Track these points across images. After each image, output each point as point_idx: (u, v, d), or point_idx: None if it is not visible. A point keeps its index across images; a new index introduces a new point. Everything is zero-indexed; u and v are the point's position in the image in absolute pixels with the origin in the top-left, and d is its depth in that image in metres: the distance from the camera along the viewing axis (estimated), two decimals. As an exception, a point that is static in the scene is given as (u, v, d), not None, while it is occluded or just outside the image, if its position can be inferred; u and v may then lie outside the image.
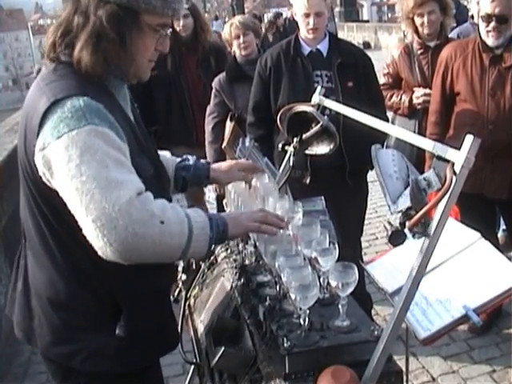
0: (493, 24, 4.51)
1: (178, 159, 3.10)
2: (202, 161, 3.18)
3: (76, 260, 2.43)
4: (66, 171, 2.16)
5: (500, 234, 6.28)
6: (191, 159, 3.10)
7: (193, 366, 3.50)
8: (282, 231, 2.77)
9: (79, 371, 2.52)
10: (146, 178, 2.40)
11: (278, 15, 21.38)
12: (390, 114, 5.67)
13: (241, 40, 5.80)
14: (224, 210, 3.49)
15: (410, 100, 5.52)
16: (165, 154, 3.04)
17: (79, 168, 2.14)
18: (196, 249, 2.31)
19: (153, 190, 2.40)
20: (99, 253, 2.17)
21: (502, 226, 6.20)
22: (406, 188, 2.24)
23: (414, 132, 5.26)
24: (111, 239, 2.12)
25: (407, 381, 3.60)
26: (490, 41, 4.56)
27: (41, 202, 2.40)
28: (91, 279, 2.45)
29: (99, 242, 2.14)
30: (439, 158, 2.14)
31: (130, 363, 2.53)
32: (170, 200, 2.70)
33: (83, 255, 2.36)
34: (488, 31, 4.55)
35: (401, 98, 5.60)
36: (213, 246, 2.40)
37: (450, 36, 6.00)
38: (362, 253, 5.59)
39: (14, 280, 2.71)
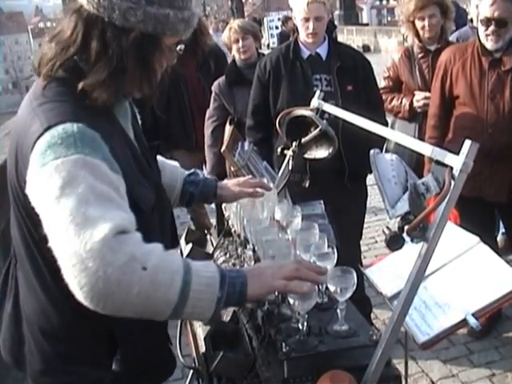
0: (492, 28, 4.51)
1: (187, 172, 2.97)
2: (211, 177, 3.10)
3: (70, 291, 2.14)
4: (45, 202, 1.97)
5: (499, 238, 6.29)
6: (201, 174, 3.00)
7: (192, 371, 3.50)
8: (280, 235, 2.77)
9: None
10: (147, 208, 2.27)
11: (287, 19, 21.21)
12: (390, 118, 5.67)
13: (240, 44, 5.80)
14: (223, 214, 3.49)
15: (411, 103, 5.53)
16: (174, 165, 2.96)
17: (58, 201, 1.93)
18: (196, 309, 1.99)
19: (155, 217, 2.34)
20: (76, 297, 1.91)
21: (502, 230, 6.20)
22: (404, 193, 2.23)
23: (414, 135, 5.27)
24: (81, 282, 1.86)
25: (407, 385, 3.60)
26: (490, 44, 4.57)
27: (33, 230, 2.20)
28: (86, 311, 2.13)
29: (72, 284, 1.89)
30: (438, 162, 2.14)
31: None
32: (169, 223, 2.65)
33: None
34: (487, 35, 4.56)
35: (401, 102, 5.61)
36: (222, 308, 2.08)
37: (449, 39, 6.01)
38: (362, 256, 5.58)
39: (2, 299, 2.57)
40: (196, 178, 2.97)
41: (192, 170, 3.03)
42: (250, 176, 3.29)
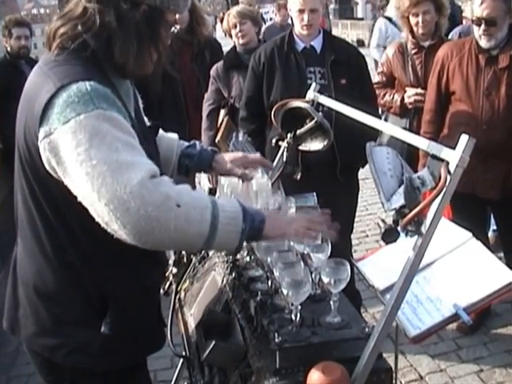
0: (483, 27, 4.53)
1: (185, 144, 3.05)
2: (209, 148, 3.12)
3: (66, 253, 2.37)
4: (74, 156, 2.10)
5: (490, 234, 6.29)
6: (198, 147, 3.06)
7: (181, 360, 3.50)
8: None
9: (63, 366, 2.48)
10: None
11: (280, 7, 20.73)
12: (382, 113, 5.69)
13: (238, 29, 5.79)
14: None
15: (402, 99, 5.54)
16: (171, 137, 3.04)
17: (89, 152, 2.08)
18: (223, 239, 2.21)
19: None
20: (116, 235, 2.12)
21: (493, 226, 6.22)
22: (400, 186, 2.24)
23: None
24: (124, 222, 2.06)
25: (395, 379, 3.61)
26: (483, 43, 4.59)
27: (39, 191, 2.33)
28: (80, 273, 2.39)
29: (114, 225, 2.09)
30: (434, 156, 2.14)
31: (114, 362, 2.50)
32: None
33: (73, 249, 2.35)
34: (480, 34, 4.57)
35: (393, 97, 5.62)
36: (245, 241, 2.28)
37: (450, 35, 6.01)
38: (352, 250, 5.59)
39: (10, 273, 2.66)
40: (193, 150, 3.03)
41: (192, 142, 3.09)
42: (252, 154, 3.25)
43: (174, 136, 3.06)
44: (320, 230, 2.40)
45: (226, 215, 2.20)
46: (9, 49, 7.00)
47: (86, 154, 2.08)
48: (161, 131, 2.96)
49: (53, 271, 2.42)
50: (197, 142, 3.10)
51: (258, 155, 3.17)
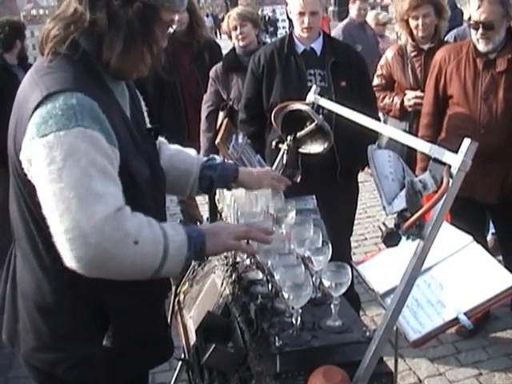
0: (480, 31, 4.53)
1: (205, 158, 3.01)
2: (230, 161, 3.11)
3: (65, 267, 2.21)
4: (46, 173, 2.06)
5: (489, 238, 6.29)
6: (218, 159, 3.04)
7: (180, 362, 3.49)
8: (274, 229, 2.75)
9: (64, 381, 2.44)
10: (142, 181, 2.34)
11: None
12: (381, 115, 5.68)
13: (238, 31, 5.80)
14: (216, 207, 3.48)
15: (402, 102, 5.55)
16: (190, 151, 3.00)
17: (61, 172, 2.03)
18: (170, 269, 2.23)
19: (148, 192, 2.39)
20: (66, 264, 2.08)
21: (492, 230, 6.21)
22: (401, 189, 2.23)
23: (405, 134, 5.27)
24: (80, 254, 2.03)
25: (395, 382, 3.60)
26: (481, 47, 4.59)
27: (30, 201, 2.26)
28: (80, 286, 2.30)
29: (67, 254, 2.05)
30: (436, 160, 2.13)
31: (116, 375, 2.46)
32: (164, 202, 2.71)
33: None
34: (477, 38, 4.57)
35: (393, 100, 5.62)
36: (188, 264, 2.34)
37: (446, 38, 6.00)
38: (351, 253, 5.58)
39: (5, 278, 2.61)
40: (213, 162, 3.01)
41: (210, 156, 3.07)
42: (270, 168, 3.32)
43: (193, 151, 3.02)
44: (259, 239, 2.44)
45: (174, 246, 2.21)
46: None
47: (57, 174, 2.04)
48: (178, 146, 2.97)
49: (52, 285, 2.38)
50: (216, 156, 3.09)
51: (277, 173, 3.19)
